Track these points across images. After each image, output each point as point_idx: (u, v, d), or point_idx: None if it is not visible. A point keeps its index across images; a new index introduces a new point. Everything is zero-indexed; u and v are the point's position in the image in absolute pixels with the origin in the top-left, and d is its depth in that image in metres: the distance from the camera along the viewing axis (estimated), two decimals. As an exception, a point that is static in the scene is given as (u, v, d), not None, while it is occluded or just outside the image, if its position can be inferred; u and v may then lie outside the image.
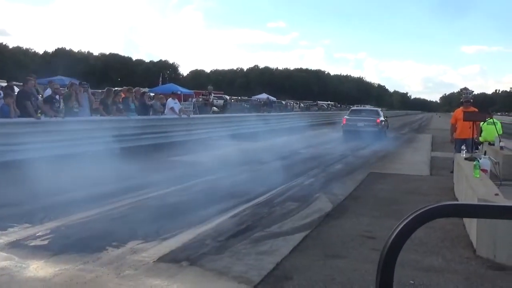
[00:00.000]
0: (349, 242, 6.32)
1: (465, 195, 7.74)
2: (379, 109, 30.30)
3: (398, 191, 10.27)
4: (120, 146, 15.23)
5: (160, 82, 51.46)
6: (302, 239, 6.37)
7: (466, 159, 9.71)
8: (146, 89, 26.37)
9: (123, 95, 16.37)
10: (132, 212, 7.54)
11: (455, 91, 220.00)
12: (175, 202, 8.43)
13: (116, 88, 18.36)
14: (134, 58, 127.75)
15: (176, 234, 6.40)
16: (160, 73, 67.34)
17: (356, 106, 45.23)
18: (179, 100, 26.19)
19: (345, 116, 27.53)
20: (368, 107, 46.83)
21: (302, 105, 66.76)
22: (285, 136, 25.76)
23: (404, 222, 1.21)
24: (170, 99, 19.49)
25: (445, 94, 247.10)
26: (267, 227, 6.90)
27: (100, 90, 27.79)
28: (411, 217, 1.22)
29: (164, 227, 6.70)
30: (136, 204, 8.14)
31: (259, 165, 13.61)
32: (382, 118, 27.16)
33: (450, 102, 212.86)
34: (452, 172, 11.97)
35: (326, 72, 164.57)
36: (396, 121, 57.25)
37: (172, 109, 18.73)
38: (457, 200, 9.36)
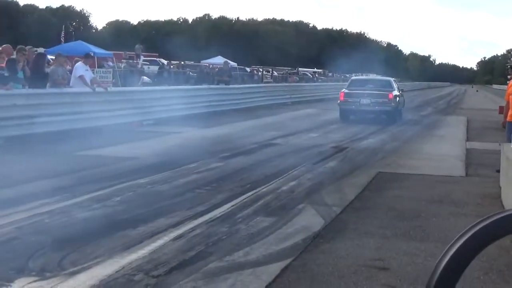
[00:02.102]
0: (349, 275, 6.31)
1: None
2: (391, 79, 30.62)
3: (419, 200, 10.36)
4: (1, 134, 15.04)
5: (63, 39, 50.61)
6: (280, 272, 6.32)
7: (519, 151, 9.81)
8: (42, 49, 25.94)
9: (5, 58, 16.05)
10: (21, 235, 7.39)
11: (499, 54, 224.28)
12: (87, 218, 8.34)
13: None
14: (21, 3, 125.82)
15: (90, 266, 6.30)
16: (62, 25, 66.39)
17: (358, 75, 45.45)
18: (92, 66, 25.84)
19: (344, 90, 27.70)
20: (372, 76, 47.17)
21: (276, 73, 66.85)
22: (252, 119, 25.85)
23: (460, 243, 1.14)
24: (78, 64, 19.17)
25: (484, 58, 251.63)
26: (228, 254, 6.86)
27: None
28: (469, 234, 1.15)
29: (71, 256, 6.61)
30: (27, 222, 7.99)
31: (214, 162, 13.61)
32: (396, 92, 27.41)
33: (492, 69, 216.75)
34: (498, 171, 12.11)
35: (311, 25, 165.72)
36: (414, 97, 57.90)
37: (81, 78, 18.46)
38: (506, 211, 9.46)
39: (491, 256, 7.04)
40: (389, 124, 24.85)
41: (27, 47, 18.52)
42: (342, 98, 26.95)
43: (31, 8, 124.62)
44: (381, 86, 28.08)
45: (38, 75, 17.06)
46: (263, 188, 10.84)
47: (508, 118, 13.16)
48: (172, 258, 6.65)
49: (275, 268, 6.45)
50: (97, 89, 18.96)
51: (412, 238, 7.82)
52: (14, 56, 16.25)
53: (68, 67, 19.57)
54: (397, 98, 27.19)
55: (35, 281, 5.84)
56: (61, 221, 8.13)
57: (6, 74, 15.43)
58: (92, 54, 29.08)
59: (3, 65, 15.67)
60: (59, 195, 9.60)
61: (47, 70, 18.03)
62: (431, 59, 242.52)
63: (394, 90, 27.47)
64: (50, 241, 7.11)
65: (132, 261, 6.50)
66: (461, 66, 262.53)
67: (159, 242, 7.24)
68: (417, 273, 6.41)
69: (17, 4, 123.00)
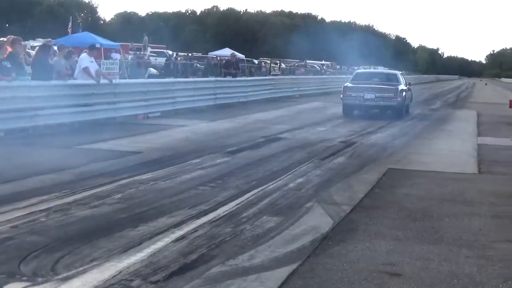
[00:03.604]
0: (360, 282, 6.01)
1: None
2: (398, 73, 29.65)
3: (431, 198, 10.06)
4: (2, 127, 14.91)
5: (70, 30, 50.51)
6: (286, 278, 6.03)
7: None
8: (52, 41, 25.63)
9: (9, 49, 15.78)
10: (16, 235, 7.11)
11: (508, 47, 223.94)
12: (85, 216, 8.07)
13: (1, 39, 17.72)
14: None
15: (84, 270, 6.01)
16: (70, 16, 66.16)
17: (366, 68, 44.94)
18: (98, 58, 25.58)
19: (347, 83, 26.55)
20: (381, 69, 46.77)
21: (283, 65, 66.54)
22: (259, 112, 25.71)
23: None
24: (83, 56, 18.93)
25: (493, 51, 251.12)
26: (231, 257, 6.57)
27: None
28: None
29: (66, 258, 6.33)
30: (23, 220, 7.70)
31: (220, 157, 13.35)
32: (403, 86, 26.35)
33: (501, 63, 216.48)
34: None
35: (319, 18, 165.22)
36: (423, 91, 57.63)
37: (85, 70, 18.17)
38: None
39: (509, 262, 6.77)
40: (395, 120, 24.14)
41: (43, 40, 18.39)
42: (345, 92, 25.70)
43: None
44: (387, 80, 26.98)
45: (41, 67, 16.77)
46: (269, 185, 10.53)
47: None
48: (173, 262, 6.33)
49: (281, 273, 6.14)
50: (102, 81, 18.71)
51: (425, 240, 7.49)
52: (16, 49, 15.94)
53: (76, 59, 19.31)
54: (404, 93, 26.04)
55: (25, 287, 5.53)
56: (58, 220, 7.82)
57: (8, 66, 15.15)
58: (98, 46, 28.86)
59: (6, 56, 15.40)
60: (58, 191, 9.36)
61: (51, 61, 17.74)
62: (439, 52, 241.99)
63: (401, 84, 26.36)
64: (45, 242, 6.82)
65: (130, 265, 6.18)
66: (469, 59, 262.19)
67: (159, 244, 6.93)
68: (431, 280, 6.07)
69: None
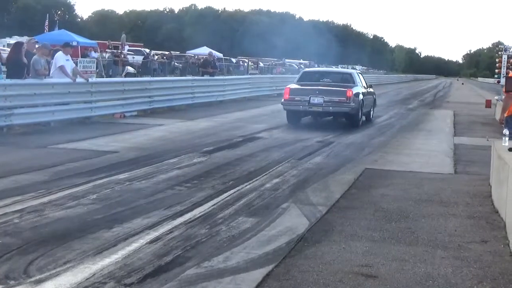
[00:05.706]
0: (335, 284, 5.99)
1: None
2: (354, 72, 25.02)
3: (408, 199, 10.05)
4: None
5: (46, 28, 50.21)
6: (262, 280, 6.00)
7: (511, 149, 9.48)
8: (33, 39, 25.50)
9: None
10: (-12, 236, 7.01)
11: (484, 47, 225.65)
12: (60, 217, 7.99)
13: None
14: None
15: (58, 273, 5.94)
16: (47, 14, 65.71)
17: (344, 67, 44.33)
18: (75, 56, 25.45)
19: (291, 85, 22.03)
20: (357, 69, 46.67)
21: (262, 64, 66.49)
22: (237, 111, 25.66)
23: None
24: (59, 54, 18.74)
25: (470, 51, 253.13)
26: (206, 259, 6.53)
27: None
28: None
29: (40, 260, 6.27)
30: (-4, 221, 7.61)
31: (197, 157, 13.29)
32: (358, 89, 21.57)
33: (478, 62, 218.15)
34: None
35: (297, 17, 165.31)
36: (401, 90, 57.81)
37: (61, 68, 18.01)
38: (497, 212, 9.17)
39: (484, 262, 6.73)
40: (351, 128, 20.55)
41: (27, 38, 18.21)
42: (287, 96, 20.91)
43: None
44: (339, 80, 22.06)
45: (15, 65, 16.63)
46: (246, 186, 10.50)
47: (508, 113, 12.38)
48: (147, 264, 6.28)
49: (256, 275, 6.11)
50: (78, 80, 18.57)
51: (401, 241, 7.48)
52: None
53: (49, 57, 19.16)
54: (360, 96, 21.28)
55: (-5, 291, 5.46)
56: (32, 221, 7.74)
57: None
58: (75, 43, 28.70)
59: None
60: (33, 191, 9.28)
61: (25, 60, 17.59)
62: (417, 51, 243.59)
63: (356, 86, 21.56)
64: (18, 244, 6.74)
65: (104, 267, 6.13)
66: (446, 59, 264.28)
67: (134, 246, 6.87)
68: (406, 281, 6.06)
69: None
